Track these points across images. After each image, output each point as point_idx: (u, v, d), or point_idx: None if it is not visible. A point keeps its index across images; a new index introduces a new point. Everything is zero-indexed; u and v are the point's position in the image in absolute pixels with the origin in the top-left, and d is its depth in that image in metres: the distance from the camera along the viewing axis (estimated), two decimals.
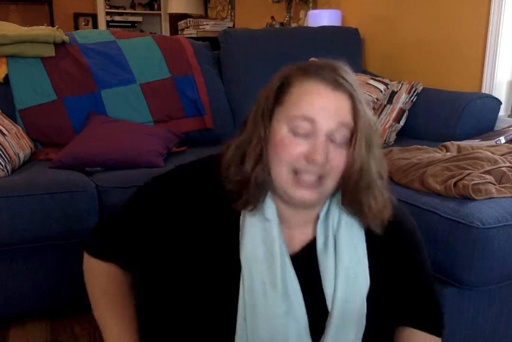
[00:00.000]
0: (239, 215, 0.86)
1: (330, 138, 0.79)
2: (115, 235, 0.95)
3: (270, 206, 0.85)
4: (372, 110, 0.87)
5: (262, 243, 0.84)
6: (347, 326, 0.86)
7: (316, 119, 0.78)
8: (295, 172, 0.80)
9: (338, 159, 0.80)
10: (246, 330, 0.84)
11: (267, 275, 0.83)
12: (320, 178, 0.80)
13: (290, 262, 0.85)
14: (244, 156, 0.82)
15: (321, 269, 0.86)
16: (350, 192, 0.83)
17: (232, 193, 0.84)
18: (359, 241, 0.88)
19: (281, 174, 0.80)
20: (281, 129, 0.80)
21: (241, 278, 0.84)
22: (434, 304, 0.99)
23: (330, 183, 0.82)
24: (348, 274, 0.85)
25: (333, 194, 0.87)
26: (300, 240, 0.89)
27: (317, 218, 0.89)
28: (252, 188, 0.82)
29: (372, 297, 0.88)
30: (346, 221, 0.87)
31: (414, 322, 0.96)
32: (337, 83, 0.80)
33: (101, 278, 0.96)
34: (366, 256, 0.87)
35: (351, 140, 0.80)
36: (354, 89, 0.81)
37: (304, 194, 0.81)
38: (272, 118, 0.82)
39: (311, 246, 0.88)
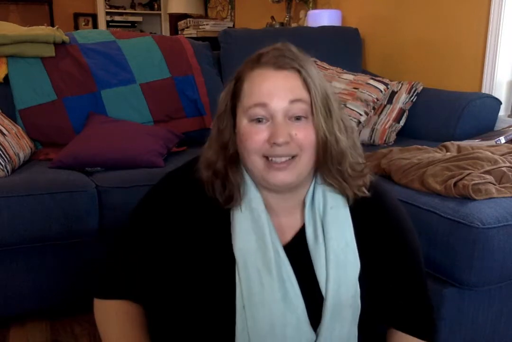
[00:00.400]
0: (229, 209, 0.88)
1: (288, 116, 0.80)
2: (122, 265, 0.94)
3: (255, 195, 0.87)
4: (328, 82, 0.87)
5: (253, 233, 0.86)
6: (342, 310, 0.87)
7: (267, 103, 0.79)
8: (267, 158, 0.81)
9: (303, 133, 0.80)
10: (246, 320, 0.85)
11: (261, 264, 0.85)
12: (293, 157, 0.81)
13: (283, 250, 0.87)
14: (216, 157, 0.85)
15: (313, 256, 0.87)
16: (326, 165, 0.84)
17: (217, 194, 0.86)
18: (346, 221, 0.88)
19: (254, 163, 0.82)
20: (242, 123, 0.82)
21: (236, 269, 0.85)
22: (426, 303, 0.96)
23: (305, 159, 0.82)
24: (338, 259, 0.86)
25: (315, 175, 0.88)
26: (289, 227, 0.90)
27: (304, 203, 0.89)
28: (231, 186, 0.85)
29: (364, 278, 0.88)
30: (331, 201, 0.88)
31: (405, 325, 0.94)
32: (280, 63, 0.81)
33: (115, 318, 0.93)
34: (354, 236, 0.88)
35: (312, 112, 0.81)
36: (299, 63, 0.81)
37: (281, 177, 0.81)
38: (235, 117, 0.84)
39: (301, 233, 0.89)
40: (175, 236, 0.89)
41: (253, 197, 0.86)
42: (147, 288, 0.93)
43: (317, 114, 0.80)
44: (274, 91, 0.79)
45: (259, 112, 0.80)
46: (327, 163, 0.83)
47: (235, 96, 0.84)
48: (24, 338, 1.60)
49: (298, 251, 0.88)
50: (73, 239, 1.59)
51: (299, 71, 0.81)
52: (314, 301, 0.86)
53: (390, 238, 0.91)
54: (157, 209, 0.92)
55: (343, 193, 0.87)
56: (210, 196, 0.86)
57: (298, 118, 0.81)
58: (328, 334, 0.86)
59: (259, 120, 0.80)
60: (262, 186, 0.86)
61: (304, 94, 0.80)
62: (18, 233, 1.49)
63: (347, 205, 0.89)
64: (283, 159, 0.81)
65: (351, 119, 2.07)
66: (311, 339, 0.87)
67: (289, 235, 0.90)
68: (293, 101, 0.79)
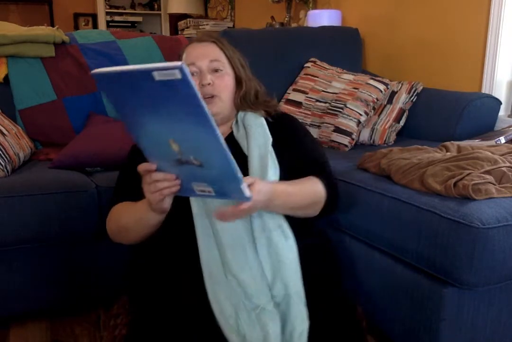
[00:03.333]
0: None
1: (211, 69, 1.26)
2: (122, 184, 1.33)
3: None
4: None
5: None
6: (264, 166, 1.18)
7: (195, 62, 1.26)
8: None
9: (220, 81, 1.26)
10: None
11: None
12: (213, 97, 1.24)
13: None
14: None
15: (239, 140, 1.27)
16: (244, 98, 1.30)
17: None
18: (261, 122, 1.29)
19: None
20: None
21: None
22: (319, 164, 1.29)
23: (225, 98, 1.27)
24: (256, 137, 1.24)
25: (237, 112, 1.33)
26: (223, 134, 1.29)
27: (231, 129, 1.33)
28: None
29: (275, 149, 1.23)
30: (250, 116, 1.30)
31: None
32: (204, 38, 1.32)
33: (120, 206, 1.24)
34: (268, 131, 1.27)
35: (230, 67, 1.29)
36: (216, 38, 1.31)
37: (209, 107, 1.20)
38: None
39: (231, 136, 1.30)
40: None
41: None
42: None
43: (237, 66, 1.30)
44: (199, 54, 1.27)
45: (192, 68, 1.24)
46: (245, 99, 1.30)
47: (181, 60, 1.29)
48: (24, 338, 1.61)
49: (230, 143, 1.13)
50: (73, 239, 1.59)
51: (215, 42, 1.29)
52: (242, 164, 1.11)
53: (291, 131, 1.33)
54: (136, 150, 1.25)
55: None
56: None
57: (216, 70, 1.26)
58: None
59: (193, 74, 1.24)
60: None
61: (220, 56, 1.27)
62: (18, 233, 1.49)
63: (262, 117, 1.31)
64: (207, 97, 1.23)
65: (351, 119, 2.07)
66: None
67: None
68: (212, 60, 1.26)
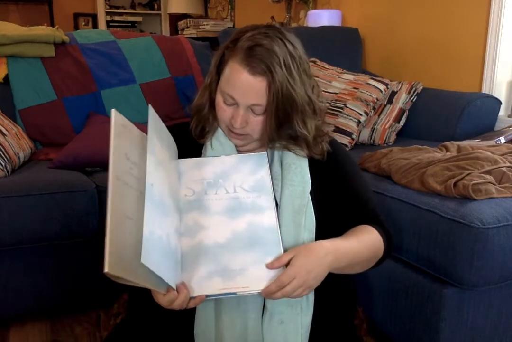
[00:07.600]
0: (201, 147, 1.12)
1: (250, 108, 1.02)
2: None
3: (224, 137, 1.09)
4: (309, 76, 1.03)
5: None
6: (296, 215, 1.02)
7: (236, 98, 1.01)
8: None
9: (255, 123, 1.03)
10: None
11: None
12: (246, 135, 1.06)
13: None
14: (204, 100, 1.11)
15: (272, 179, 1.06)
16: (278, 140, 1.06)
17: (193, 129, 1.11)
18: (300, 164, 1.07)
19: (221, 125, 1.09)
20: (218, 94, 1.06)
21: None
22: (371, 209, 1.10)
23: (255, 136, 1.06)
24: (292, 182, 1.05)
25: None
26: None
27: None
28: (205, 124, 1.10)
29: (315, 194, 1.06)
30: (290, 155, 1.08)
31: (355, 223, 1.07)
32: (257, 69, 0.97)
33: None
34: (308, 167, 1.07)
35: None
36: (275, 69, 0.96)
37: (237, 142, 1.08)
38: (218, 81, 1.06)
39: None
40: None
41: (221, 137, 1.09)
42: None
43: (270, 115, 1.00)
44: (245, 91, 0.99)
45: (229, 99, 1.02)
46: (279, 139, 1.05)
47: (221, 65, 1.05)
48: (24, 338, 1.61)
49: None
50: (73, 239, 1.59)
51: (268, 80, 0.97)
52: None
53: (334, 164, 1.11)
54: None
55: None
56: (192, 132, 1.11)
57: (253, 111, 1.02)
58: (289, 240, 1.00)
59: (226, 103, 1.03)
60: None
61: (264, 100, 0.99)
62: (18, 233, 1.49)
63: (305, 158, 1.08)
64: (238, 133, 1.05)
65: (351, 119, 2.07)
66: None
67: None
68: (254, 104, 1.01)
